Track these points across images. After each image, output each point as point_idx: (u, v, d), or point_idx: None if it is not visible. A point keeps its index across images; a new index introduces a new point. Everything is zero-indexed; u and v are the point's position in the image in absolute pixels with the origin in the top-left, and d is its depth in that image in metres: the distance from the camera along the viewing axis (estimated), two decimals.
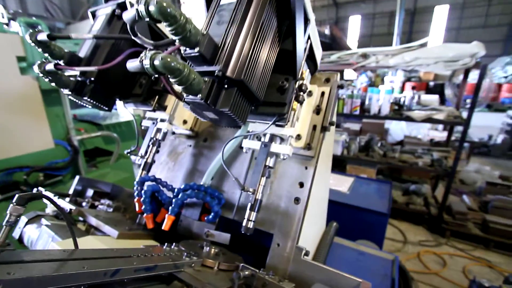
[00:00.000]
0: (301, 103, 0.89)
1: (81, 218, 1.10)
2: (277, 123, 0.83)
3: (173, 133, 1.41)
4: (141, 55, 0.51)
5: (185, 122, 1.36)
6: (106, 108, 1.02)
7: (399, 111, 3.73)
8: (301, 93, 0.89)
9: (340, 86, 1.08)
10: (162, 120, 1.26)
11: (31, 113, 2.41)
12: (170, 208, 0.95)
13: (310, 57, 0.98)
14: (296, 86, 0.75)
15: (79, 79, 0.92)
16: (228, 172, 0.88)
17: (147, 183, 1.11)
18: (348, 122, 5.74)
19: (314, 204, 1.06)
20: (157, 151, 1.26)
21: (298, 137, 1.01)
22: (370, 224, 1.80)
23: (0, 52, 2.19)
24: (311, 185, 0.99)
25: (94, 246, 0.79)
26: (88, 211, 1.09)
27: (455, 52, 2.87)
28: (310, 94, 1.05)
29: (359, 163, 4.02)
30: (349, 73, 7.14)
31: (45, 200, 1.21)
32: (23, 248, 0.98)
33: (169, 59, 0.50)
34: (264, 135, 0.93)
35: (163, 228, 0.94)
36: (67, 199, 1.35)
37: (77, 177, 1.42)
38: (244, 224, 0.86)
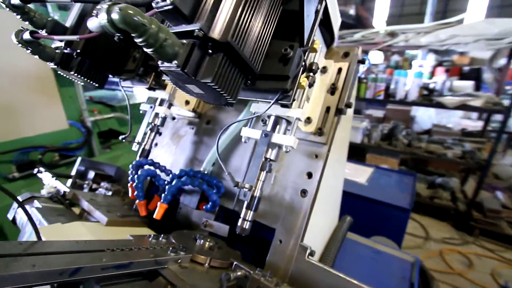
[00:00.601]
0: (314, 73, 0.76)
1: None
2: (281, 102, 0.70)
3: (173, 118, 1.32)
4: (97, 7, 0.40)
5: (187, 102, 1.27)
6: (97, 85, 0.94)
7: (428, 97, 3.41)
8: (313, 67, 0.76)
9: (361, 61, 0.92)
10: (161, 103, 1.16)
11: (45, 94, 2.43)
12: (162, 195, 0.87)
13: (325, 25, 0.83)
14: (305, 56, 0.62)
15: (65, 51, 0.83)
16: (221, 164, 0.77)
17: (145, 167, 1.04)
18: (370, 109, 5.39)
19: (324, 197, 0.94)
20: (159, 133, 1.18)
21: (308, 120, 0.88)
22: (389, 220, 1.65)
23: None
24: (321, 176, 0.87)
25: (78, 234, 0.73)
26: (83, 194, 1.05)
27: (500, 28, 2.50)
28: (324, 70, 0.91)
29: (381, 153, 3.78)
30: (375, 56, 6.66)
31: (44, 181, 1.19)
32: (16, 231, 0.95)
33: (130, 11, 0.38)
34: (269, 117, 0.81)
35: (154, 216, 0.86)
36: (70, 180, 1.33)
37: (79, 159, 1.38)
38: (239, 223, 0.76)
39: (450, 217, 3.63)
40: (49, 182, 1.12)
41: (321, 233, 0.98)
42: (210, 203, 0.94)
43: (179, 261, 0.68)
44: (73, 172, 1.37)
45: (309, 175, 0.88)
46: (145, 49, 0.43)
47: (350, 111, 1.08)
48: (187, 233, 0.89)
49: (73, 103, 2.73)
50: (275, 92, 0.65)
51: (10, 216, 0.97)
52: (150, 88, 1.12)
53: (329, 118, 0.89)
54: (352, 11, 8.50)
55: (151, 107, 1.22)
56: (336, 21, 0.84)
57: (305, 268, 0.78)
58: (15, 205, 0.98)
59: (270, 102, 0.70)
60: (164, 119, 1.26)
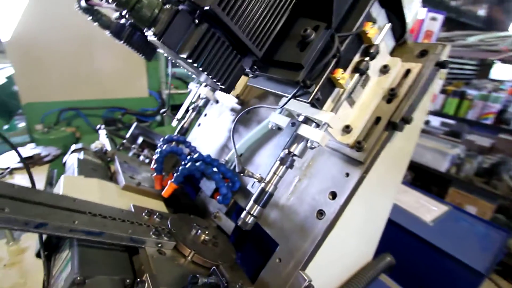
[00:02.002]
0: (361, 73, 0.60)
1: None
2: (302, 101, 0.57)
3: (217, 101, 1.31)
4: None
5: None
6: (143, 56, 0.98)
7: None
8: (363, 62, 0.60)
9: (441, 65, 0.68)
10: (206, 84, 1.16)
11: (134, 63, 2.82)
12: (175, 175, 0.86)
13: (391, 5, 0.63)
14: (337, 42, 0.47)
15: (120, 21, 0.89)
16: (234, 149, 0.70)
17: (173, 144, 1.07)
18: (474, 134, 4.36)
19: (349, 226, 0.77)
20: (204, 114, 1.19)
21: (347, 129, 0.71)
22: (451, 280, 1.28)
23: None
24: (348, 200, 0.70)
25: (90, 190, 0.79)
26: (121, 155, 1.14)
27: None
28: (385, 70, 0.72)
29: (470, 190, 3.03)
30: (500, 70, 5.27)
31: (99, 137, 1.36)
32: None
33: None
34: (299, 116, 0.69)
35: (162, 194, 0.87)
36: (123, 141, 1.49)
37: (135, 123, 1.53)
38: (242, 215, 0.69)
39: None
40: (101, 138, 1.27)
41: (336, 267, 0.81)
42: (221, 195, 0.89)
43: (160, 245, 0.65)
44: (127, 135, 1.53)
45: (333, 195, 0.72)
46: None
47: (416, 128, 0.85)
48: (189, 219, 0.86)
49: (156, 75, 3.09)
50: (292, 84, 0.53)
51: (64, 159, 1.14)
52: None
53: (375, 132, 0.70)
54: (481, 11, 6.91)
55: (196, 86, 1.23)
56: (411, 4, 0.64)
57: None
58: (70, 151, 1.15)
59: (298, 99, 0.59)
60: (206, 101, 1.26)
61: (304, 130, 0.64)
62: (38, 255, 0.64)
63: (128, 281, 0.57)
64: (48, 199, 0.54)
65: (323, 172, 0.77)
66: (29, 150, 1.25)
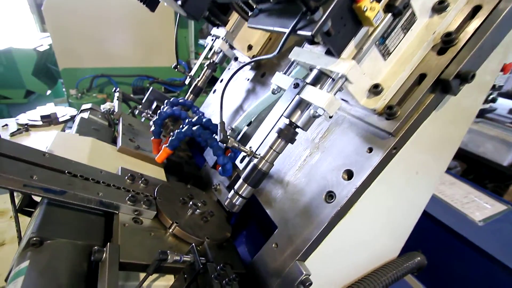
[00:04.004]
0: (397, 12, 0.43)
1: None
2: (322, 38, 0.42)
3: (236, 58, 1.17)
4: None
5: (249, 47, 1.09)
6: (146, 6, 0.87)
7: None
8: None
9: None
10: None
11: (164, 31, 2.76)
12: (170, 139, 0.78)
13: None
14: None
15: None
16: (220, 113, 0.58)
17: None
18: None
19: (367, 214, 0.62)
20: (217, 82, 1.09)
21: (375, 89, 0.54)
22: None
23: None
24: (367, 183, 0.55)
25: (80, 149, 0.75)
26: (125, 117, 1.09)
27: None
28: (440, 7, 0.51)
29: None
30: None
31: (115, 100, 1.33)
32: None
33: None
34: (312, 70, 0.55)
35: (156, 159, 0.79)
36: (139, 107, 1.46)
37: (151, 88, 1.48)
38: (229, 195, 0.59)
39: None
40: (113, 101, 1.24)
41: (345, 262, 0.67)
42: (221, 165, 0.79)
43: (136, 213, 0.58)
44: (144, 100, 1.49)
45: (349, 174, 0.57)
46: None
47: (474, 102, 0.65)
48: (183, 190, 0.78)
49: (185, 44, 3.02)
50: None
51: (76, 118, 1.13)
52: (211, 23, 1.01)
53: (416, 94, 0.52)
54: None
55: (212, 38, 1.11)
56: None
57: None
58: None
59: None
60: (223, 57, 1.14)
61: (308, 92, 0.49)
62: (18, 209, 0.61)
63: (96, 248, 0.51)
64: (11, 149, 0.49)
65: (339, 145, 0.62)
66: (47, 109, 1.27)
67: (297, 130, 0.55)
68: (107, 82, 2.71)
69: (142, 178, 0.69)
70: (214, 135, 0.77)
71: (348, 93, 0.56)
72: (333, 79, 0.51)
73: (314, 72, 0.54)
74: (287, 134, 0.55)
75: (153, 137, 0.87)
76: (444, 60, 0.50)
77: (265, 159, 0.57)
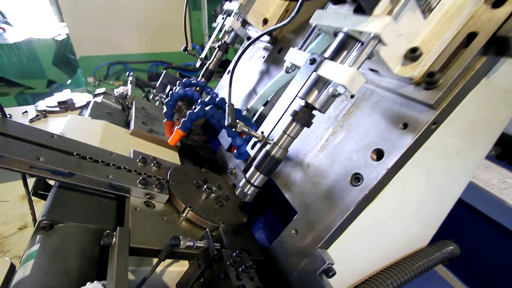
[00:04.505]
0: None
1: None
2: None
3: (249, 38, 1.10)
4: None
5: (265, 21, 1.01)
6: None
7: None
8: None
9: None
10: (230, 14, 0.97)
11: (178, 15, 2.70)
12: (182, 120, 0.74)
13: None
14: None
15: None
16: (229, 95, 0.53)
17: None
18: None
19: (398, 198, 0.56)
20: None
21: (413, 54, 0.46)
22: None
23: None
24: (401, 164, 0.49)
25: (92, 132, 0.73)
26: (139, 101, 1.07)
27: None
28: None
29: None
30: None
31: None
32: None
33: None
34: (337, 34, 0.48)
35: (168, 141, 0.76)
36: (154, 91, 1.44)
37: (164, 71, 1.45)
38: (241, 184, 0.55)
39: None
40: (125, 79, 1.23)
41: (371, 250, 0.62)
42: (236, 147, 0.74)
43: (148, 196, 0.56)
44: (157, 84, 1.47)
45: (379, 154, 0.51)
46: None
47: None
48: (197, 173, 0.75)
49: (199, 28, 2.95)
50: None
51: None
52: None
53: (463, 57, 0.44)
54: None
55: (223, 18, 1.05)
56: None
57: (309, 285, 0.51)
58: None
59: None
60: (234, 37, 1.07)
61: (327, 68, 0.43)
62: (34, 193, 0.61)
63: (110, 232, 0.49)
64: (18, 131, 0.47)
65: (367, 122, 0.55)
66: (64, 95, 1.28)
67: (314, 112, 0.49)
68: (124, 70, 2.72)
69: (154, 161, 0.66)
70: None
71: (378, 62, 0.49)
72: (363, 43, 0.44)
73: (339, 38, 0.47)
74: (303, 117, 0.49)
75: (165, 119, 0.84)
76: (502, 14, 0.41)
77: (279, 145, 0.52)
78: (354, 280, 0.61)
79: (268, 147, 0.53)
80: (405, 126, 0.49)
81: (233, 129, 0.51)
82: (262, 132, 0.53)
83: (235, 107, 0.79)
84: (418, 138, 0.47)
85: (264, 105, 0.87)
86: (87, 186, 0.49)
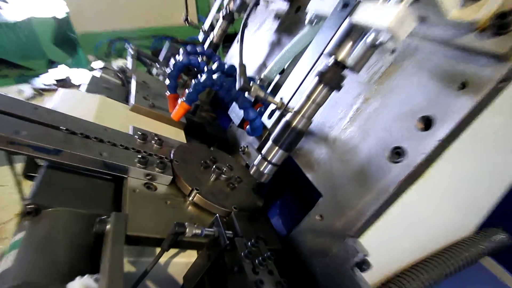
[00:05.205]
0: None
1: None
2: None
3: (257, 3, 1.00)
4: None
5: None
6: None
7: None
8: None
9: None
10: None
11: None
12: (187, 91, 0.68)
13: None
14: None
15: None
16: (239, 52, 0.46)
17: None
18: None
19: (447, 178, 0.48)
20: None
21: None
22: None
23: None
24: (455, 133, 0.41)
25: (88, 107, 0.69)
26: (140, 75, 1.02)
27: None
28: None
29: None
30: None
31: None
32: None
33: None
34: None
35: (172, 116, 0.71)
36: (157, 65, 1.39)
37: (167, 43, 1.39)
38: (256, 161, 0.49)
39: None
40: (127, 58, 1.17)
41: (413, 240, 0.55)
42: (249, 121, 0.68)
43: (149, 177, 0.51)
44: (161, 57, 1.41)
45: (427, 123, 0.43)
46: None
47: None
48: (206, 152, 0.70)
49: None
50: None
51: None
52: None
53: None
54: None
55: None
56: None
57: (339, 283, 0.45)
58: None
59: None
60: (241, 4, 0.98)
61: (365, 11, 0.35)
62: (25, 176, 0.58)
63: (103, 218, 0.45)
64: (13, 106, 0.43)
65: (411, 84, 0.47)
66: (61, 72, 1.24)
67: (345, 72, 0.42)
68: (125, 47, 2.67)
69: (156, 138, 0.61)
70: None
71: (426, 6, 0.40)
72: None
73: None
74: (332, 78, 0.42)
75: (167, 92, 0.78)
76: None
77: (301, 113, 0.45)
78: (385, 274, 0.56)
79: (288, 116, 0.46)
80: (463, 85, 0.40)
81: (246, 94, 0.44)
82: (281, 99, 0.47)
83: (221, 66, 0.72)
84: (481, 101, 0.39)
85: (281, 73, 0.80)
86: (78, 166, 0.45)
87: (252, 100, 0.67)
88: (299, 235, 0.55)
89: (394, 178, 0.44)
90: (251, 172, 0.51)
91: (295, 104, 0.47)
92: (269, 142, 0.49)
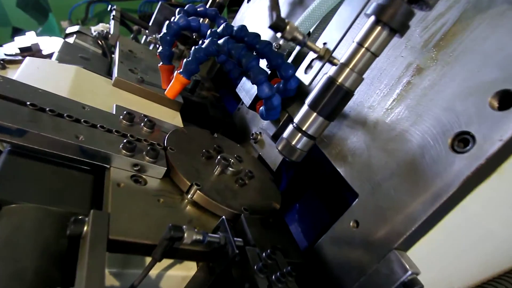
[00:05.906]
0: None
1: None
2: None
3: None
4: None
5: None
6: None
7: None
8: None
9: None
10: None
11: None
12: (184, 61, 0.66)
13: None
14: None
15: None
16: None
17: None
18: None
19: None
20: None
21: None
22: None
23: None
24: None
25: (59, 80, 0.67)
26: (125, 43, 1.00)
27: None
28: None
29: None
30: None
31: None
32: None
33: None
34: None
35: (165, 93, 0.69)
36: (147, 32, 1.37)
37: (160, 3, 1.37)
38: (286, 133, 0.48)
39: None
40: (109, 22, 1.16)
41: (477, 255, 0.53)
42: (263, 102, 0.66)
43: (137, 168, 0.50)
44: (151, 22, 1.39)
45: (505, 100, 0.40)
46: None
47: None
48: (208, 139, 0.68)
49: None
50: None
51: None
52: None
53: None
54: None
55: None
56: None
57: None
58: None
59: None
60: None
61: None
62: None
63: (80, 217, 0.44)
64: None
65: (484, 49, 0.43)
66: (29, 39, 1.24)
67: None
68: (107, 11, 2.66)
69: (145, 119, 0.60)
70: (253, 51, 0.63)
71: None
72: None
73: None
74: (394, 16, 0.39)
75: (161, 63, 0.77)
76: None
77: (350, 66, 0.43)
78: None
79: (332, 70, 0.44)
80: None
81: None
82: (325, 44, 0.44)
83: (249, 32, 0.69)
84: None
85: (309, 34, 0.77)
86: (47, 151, 0.44)
87: (268, 73, 0.64)
88: (326, 247, 0.53)
89: (458, 173, 0.41)
90: (279, 148, 0.49)
91: (341, 54, 0.44)
92: (305, 107, 0.47)
